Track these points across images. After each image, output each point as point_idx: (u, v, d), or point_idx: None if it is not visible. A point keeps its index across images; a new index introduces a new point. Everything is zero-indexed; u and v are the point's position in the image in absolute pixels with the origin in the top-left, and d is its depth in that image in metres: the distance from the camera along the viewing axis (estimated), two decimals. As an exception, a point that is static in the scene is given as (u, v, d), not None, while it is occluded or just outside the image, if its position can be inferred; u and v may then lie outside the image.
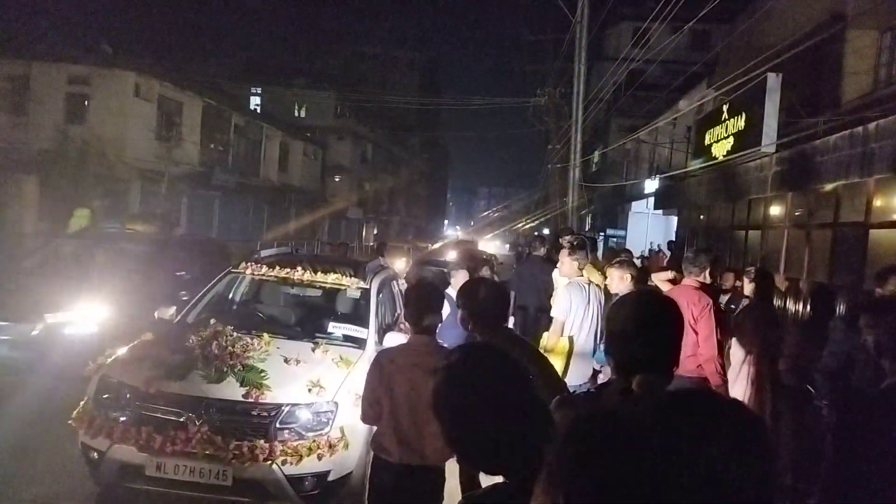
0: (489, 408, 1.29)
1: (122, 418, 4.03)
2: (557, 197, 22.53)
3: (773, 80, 8.58)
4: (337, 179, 38.25)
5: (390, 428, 2.95)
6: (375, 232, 42.21)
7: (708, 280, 5.07)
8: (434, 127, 62.93)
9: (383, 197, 47.09)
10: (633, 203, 24.26)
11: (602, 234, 26.73)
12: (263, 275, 5.65)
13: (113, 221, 10.30)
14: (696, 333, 4.61)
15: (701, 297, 4.71)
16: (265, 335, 4.75)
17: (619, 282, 4.68)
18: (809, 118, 9.09)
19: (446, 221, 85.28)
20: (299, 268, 5.64)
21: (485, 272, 8.33)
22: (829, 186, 8.37)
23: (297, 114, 37.03)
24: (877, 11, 9.04)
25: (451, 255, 14.00)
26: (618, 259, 4.98)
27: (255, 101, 35.36)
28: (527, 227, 28.79)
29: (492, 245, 26.67)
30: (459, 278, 5.70)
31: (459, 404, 1.33)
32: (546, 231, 22.84)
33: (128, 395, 4.13)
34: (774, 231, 10.40)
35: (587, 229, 28.58)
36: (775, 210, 10.49)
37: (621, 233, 25.59)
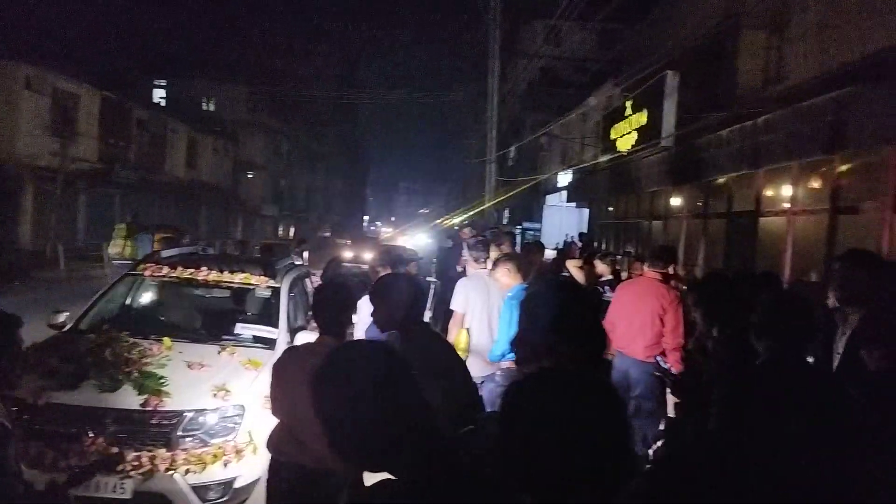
0: (362, 405, 1.28)
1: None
2: (476, 191, 22.82)
3: (671, 79, 9.03)
4: (250, 175, 37.07)
5: (287, 428, 2.89)
6: (293, 229, 41.28)
7: (671, 272, 5.47)
8: (352, 121, 62.16)
9: (300, 193, 46.10)
10: (548, 196, 24.88)
11: (519, 226, 27.24)
12: (164, 276, 5.40)
13: None
14: (663, 324, 5.00)
15: (669, 289, 5.12)
16: (166, 340, 4.55)
17: (507, 276, 4.75)
18: (705, 114, 9.61)
19: (366, 217, 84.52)
20: (204, 268, 5.43)
21: (411, 268, 8.34)
22: (722, 178, 8.89)
23: (205, 107, 35.53)
24: (766, 12, 9.65)
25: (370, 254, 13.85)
26: (499, 257, 5.10)
27: (159, 94, 33.67)
28: (449, 222, 28.99)
29: (415, 241, 26.70)
30: None
31: (332, 401, 1.31)
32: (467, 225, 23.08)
33: (14, 409, 3.85)
34: (675, 221, 10.95)
35: (505, 222, 29.08)
36: (675, 201, 11.04)
37: (537, 225, 26.17)
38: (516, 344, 1.96)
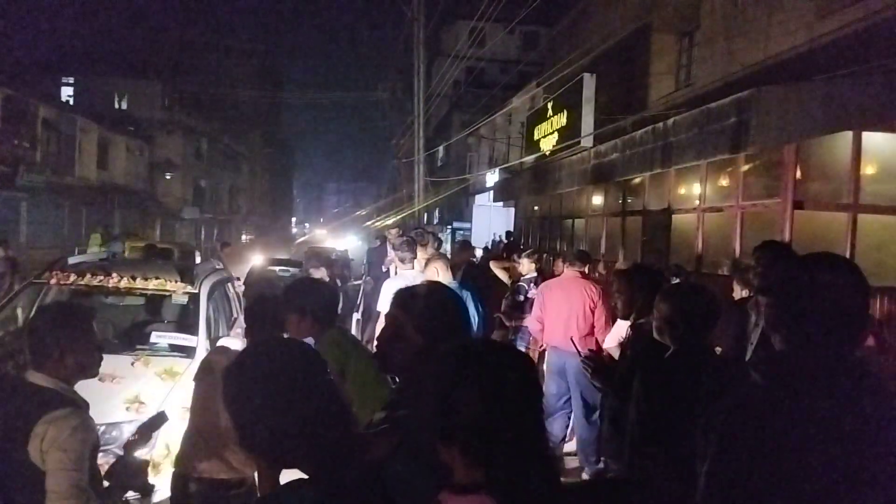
0: (276, 398, 1.28)
1: None
2: (407, 191, 22.83)
3: (589, 81, 9.32)
4: (168, 177, 35.59)
5: (203, 440, 2.82)
6: (217, 232, 39.96)
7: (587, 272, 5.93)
8: (275, 121, 60.77)
9: (222, 195, 44.66)
10: (477, 196, 25.17)
11: (449, 226, 27.46)
12: (72, 284, 5.11)
13: None
14: (594, 317, 5.30)
15: (595, 286, 5.47)
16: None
17: (437, 275, 4.81)
18: (621, 115, 9.98)
19: (294, 219, 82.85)
20: (115, 275, 5.18)
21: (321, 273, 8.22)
22: (637, 178, 9.25)
23: (117, 105, 33.87)
24: (676, 17, 10.11)
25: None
26: (430, 256, 5.28)
27: (67, 92, 31.85)
28: (380, 222, 28.84)
29: (345, 242, 26.36)
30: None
31: (246, 392, 1.31)
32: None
33: None
34: (595, 219, 11.32)
35: (436, 222, 29.27)
36: (596, 200, 11.41)
37: (467, 225, 26.43)
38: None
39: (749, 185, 7.12)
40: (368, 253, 8.59)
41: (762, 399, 1.57)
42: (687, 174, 8.28)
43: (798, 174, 6.29)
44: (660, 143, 7.55)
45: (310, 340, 2.81)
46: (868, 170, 6.39)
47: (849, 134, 6.11)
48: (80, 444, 2.09)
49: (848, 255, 5.49)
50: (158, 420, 2.61)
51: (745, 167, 7.11)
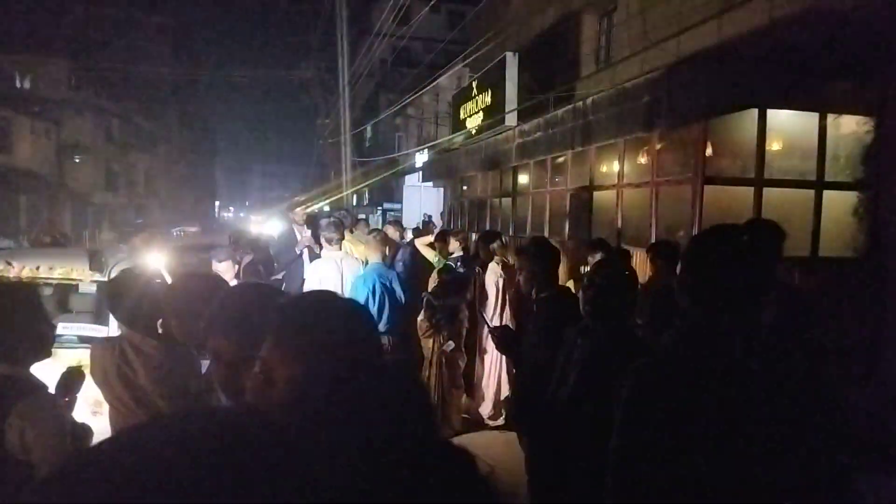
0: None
1: None
2: (335, 172, 22.39)
3: (511, 59, 9.39)
4: (77, 160, 33.62)
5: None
6: (140, 220, 38.13)
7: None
8: (193, 101, 58.25)
9: (137, 178, 42.61)
10: (407, 177, 25.05)
11: (380, 207, 27.27)
12: (-34, 275, 4.76)
13: None
14: None
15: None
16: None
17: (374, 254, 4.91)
18: (544, 93, 10.12)
19: (218, 202, 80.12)
20: (15, 264, 4.86)
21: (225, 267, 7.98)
22: (561, 156, 9.42)
23: (20, 85, 31.61)
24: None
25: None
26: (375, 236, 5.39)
27: (-40, 70, 29.46)
28: (308, 204, 28.26)
29: (271, 226, 25.73)
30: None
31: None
32: (326, 209, 22.68)
33: None
34: (522, 197, 11.48)
35: (366, 203, 29.05)
36: (522, 178, 11.56)
37: (398, 206, 26.29)
38: None
39: (663, 162, 7.38)
40: (278, 239, 7.85)
41: (667, 364, 1.63)
42: (607, 152, 8.50)
43: (708, 151, 6.57)
44: (580, 122, 7.70)
45: None
46: (773, 146, 6.74)
47: (755, 111, 6.42)
48: (59, 424, 2.14)
49: (753, 228, 5.80)
50: (70, 378, 2.55)
51: (659, 145, 7.36)
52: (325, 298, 1.40)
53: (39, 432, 2.05)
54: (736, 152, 7.01)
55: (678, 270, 1.74)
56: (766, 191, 6.48)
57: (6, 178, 25.79)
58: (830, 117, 6.56)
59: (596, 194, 8.77)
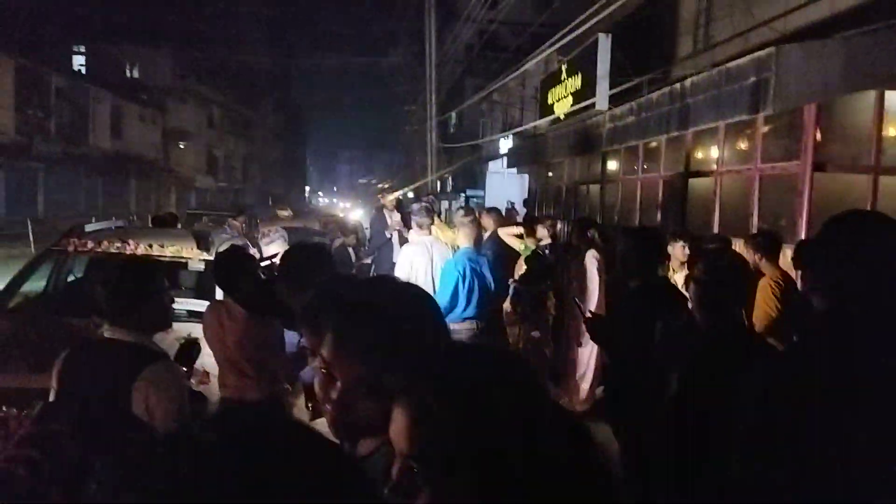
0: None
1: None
2: (419, 158, 22.71)
3: (604, 41, 9.11)
4: (182, 146, 35.65)
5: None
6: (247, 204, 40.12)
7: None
8: (288, 87, 60.37)
9: (235, 163, 44.71)
10: (490, 163, 24.96)
11: (463, 193, 27.37)
12: (89, 251, 5.18)
13: None
14: None
15: None
16: (95, 317, 4.39)
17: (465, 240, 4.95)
18: (637, 77, 9.78)
19: (308, 187, 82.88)
20: (132, 242, 5.24)
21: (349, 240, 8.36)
22: (654, 141, 9.11)
23: (129, 74, 33.78)
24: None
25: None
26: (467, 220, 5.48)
27: (79, 61, 31.76)
28: (394, 190, 28.86)
29: (358, 210, 26.40)
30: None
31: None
32: (410, 195, 23.04)
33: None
34: (611, 184, 11.20)
35: (449, 190, 29.27)
36: (611, 164, 11.27)
37: (480, 192, 26.29)
38: None
39: (768, 147, 6.99)
40: (371, 223, 8.62)
41: (803, 368, 1.50)
42: (705, 136, 8.14)
43: (818, 136, 6.16)
44: (677, 105, 7.40)
45: None
46: (891, 131, 6.24)
47: (871, 94, 5.96)
48: (180, 391, 2.32)
49: (868, 218, 5.40)
50: (188, 349, 2.85)
51: (764, 129, 6.97)
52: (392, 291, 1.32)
53: (162, 397, 2.22)
54: (849, 137, 6.53)
55: (807, 266, 1.64)
56: (883, 179, 6.02)
57: (119, 163, 27.73)
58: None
59: (691, 181, 8.43)
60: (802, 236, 5.81)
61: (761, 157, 6.94)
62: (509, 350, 4.61)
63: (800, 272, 4.62)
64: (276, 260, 4.71)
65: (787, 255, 4.89)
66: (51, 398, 2.39)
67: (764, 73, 5.63)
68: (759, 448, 1.44)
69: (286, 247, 5.50)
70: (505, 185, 23.67)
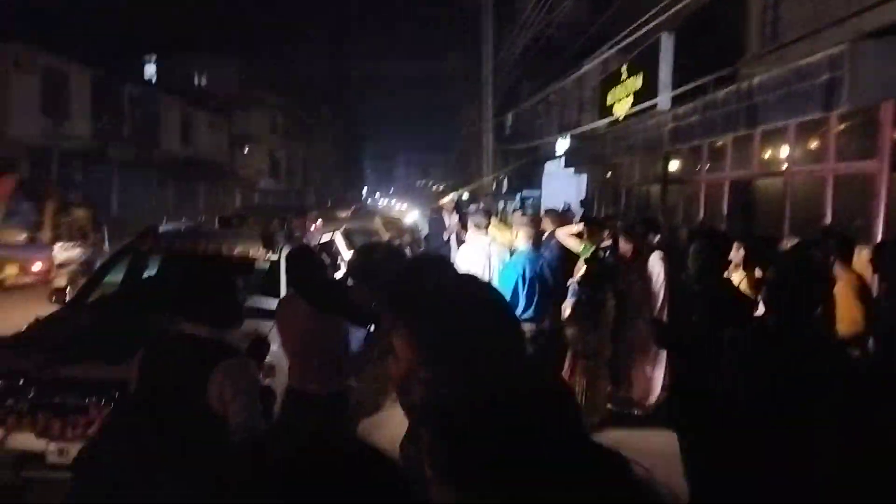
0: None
1: (17, 405, 3.83)
2: (475, 160, 22.77)
3: (667, 40, 8.94)
4: (246, 150, 36.85)
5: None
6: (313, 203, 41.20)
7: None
8: (346, 93, 61.55)
9: (296, 166, 45.88)
10: (547, 163, 24.79)
11: (519, 193, 27.26)
12: (164, 250, 5.43)
13: None
14: None
15: None
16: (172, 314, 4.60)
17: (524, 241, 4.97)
18: (701, 76, 9.53)
19: (365, 188, 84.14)
20: (203, 241, 5.47)
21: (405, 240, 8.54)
22: (719, 141, 8.86)
23: (197, 82, 35.14)
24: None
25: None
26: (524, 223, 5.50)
27: (150, 70, 33.27)
28: (449, 192, 29.03)
29: (416, 212, 26.71)
30: None
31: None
32: (466, 195, 23.09)
33: (21, 382, 3.91)
34: (674, 185, 10.95)
35: (505, 191, 29.24)
36: (674, 165, 11.02)
37: (537, 192, 26.10)
38: None
39: (841, 146, 6.70)
40: (429, 225, 8.88)
41: None
42: (774, 136, 7.87)
43: (896, 134, 5.87)
44: (745, 104, 7.18)
45: None
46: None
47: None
48: (253, 385, 2.41)
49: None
50: (258, 345, 2.97)
51: (838, 127, 6.69)
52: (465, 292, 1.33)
53: (237, 390, 2.31)
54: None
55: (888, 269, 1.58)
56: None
57: (188, 166, 28.89)
58: None
59: (759, 182, 8.16)
60: (879, 238, 5.55)
61: (835, 156, 6.66)
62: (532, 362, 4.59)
63: (877, 275, 4.41)
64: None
65: (862, 258, 4.68)
66: (131, 389, 2.53)
67: (838, 70, 5.41)
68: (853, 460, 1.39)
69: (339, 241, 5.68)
70: (562, 185, 23.43)
